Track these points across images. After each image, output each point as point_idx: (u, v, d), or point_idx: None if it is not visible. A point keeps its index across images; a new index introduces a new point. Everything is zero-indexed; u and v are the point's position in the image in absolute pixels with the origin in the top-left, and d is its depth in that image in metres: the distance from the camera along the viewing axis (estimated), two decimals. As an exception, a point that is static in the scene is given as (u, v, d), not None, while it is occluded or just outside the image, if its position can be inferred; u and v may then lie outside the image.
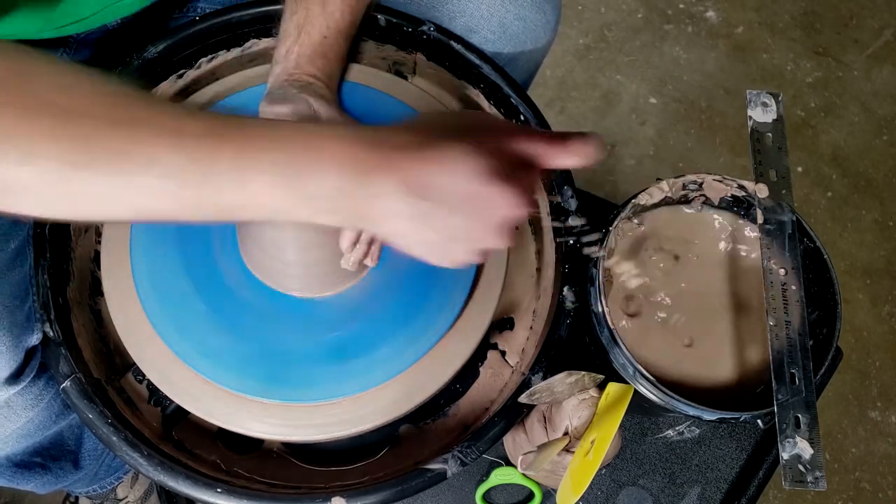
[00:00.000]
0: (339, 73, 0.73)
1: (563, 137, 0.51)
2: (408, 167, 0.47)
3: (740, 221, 0.75)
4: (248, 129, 0.47)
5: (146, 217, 0.48)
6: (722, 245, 0.75)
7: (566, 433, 0.64)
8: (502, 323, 0.77)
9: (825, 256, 0.68)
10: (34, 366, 0.69)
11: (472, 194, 0.48)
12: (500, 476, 0.79)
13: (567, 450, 0.64)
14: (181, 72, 0.79)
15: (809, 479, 0.59)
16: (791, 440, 0.60)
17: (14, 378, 0.67)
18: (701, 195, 0.74)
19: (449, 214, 0.48)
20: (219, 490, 0.62)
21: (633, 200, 0.72)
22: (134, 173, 0.44)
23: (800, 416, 0.61)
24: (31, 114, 0.43)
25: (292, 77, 0.68)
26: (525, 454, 0.68)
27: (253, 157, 0.46)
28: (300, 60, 0.68)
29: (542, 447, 0.65)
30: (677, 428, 0.83)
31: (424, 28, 0.77)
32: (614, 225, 0.70)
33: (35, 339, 0.67)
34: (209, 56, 0.79)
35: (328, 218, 0.48)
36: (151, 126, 0.45)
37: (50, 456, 0.85)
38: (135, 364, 0.70)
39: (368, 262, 0.66)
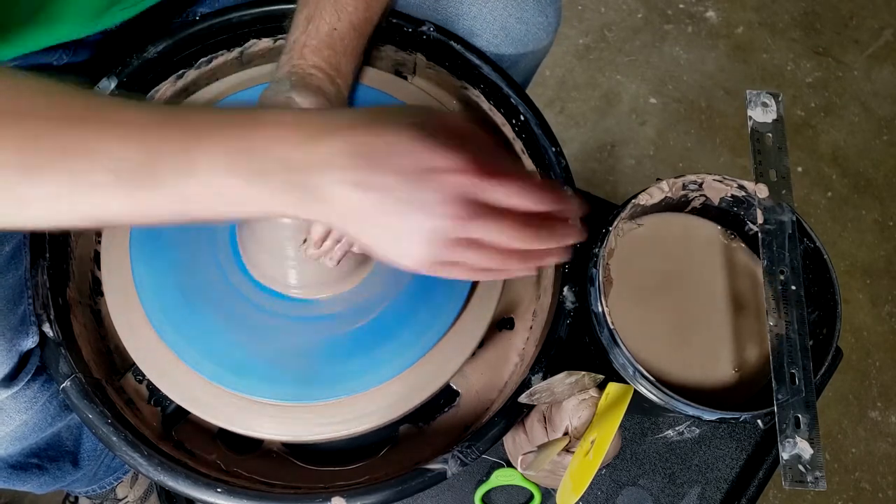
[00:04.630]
0: (349, 68, 0.70)
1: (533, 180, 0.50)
2: (353, 133, 0.47)
3: (739, 222, 0.75)
4: (193, 114, 0.48)
5: (99, 217, 0.47)
6: (722, 245, 0.75)
7: (566, 433, 0.64)
8: (502, 323, 0.77)
9: (825, 256, 0.69)
10: (30, 370, 0.69)
11: (417, 157, 0.46)
12: (500, 477, 0.79)
13: (567, 450, 0.64)
14: (181, 72, 0.79)
15: (809, 479, 0.59)
16: (791, 440, 0.60)
17: (7, 381, 0.67)
18: (701, 195, 0.74)
19: (395, 182, 0.46)
20: (219, 490, 0.62)
21: (632, 200, 0.72)
22: (82, 171, 0.44)
23: (800, 416, 0.61)
24: None
25: (295, 68, 0.66)
26: (525, 454, 0.68)
27: (199, 137, 0.46)
28: (305, 51, 0.66)
29: (542, 447, 0.64)
30: (677, 428, 0.83)
31: (424, 28, 0.77)
32: (614, 225, 0.70)
33: (30, 342, 0.66)
34: (209, 56, 0.80)
35: (282, 201, 0.47)
36: (97, 121, 0.45)
37: (47, 457, 0.84)
38: (135, 364, 0.70)
39: (327, 261, 0.64)
